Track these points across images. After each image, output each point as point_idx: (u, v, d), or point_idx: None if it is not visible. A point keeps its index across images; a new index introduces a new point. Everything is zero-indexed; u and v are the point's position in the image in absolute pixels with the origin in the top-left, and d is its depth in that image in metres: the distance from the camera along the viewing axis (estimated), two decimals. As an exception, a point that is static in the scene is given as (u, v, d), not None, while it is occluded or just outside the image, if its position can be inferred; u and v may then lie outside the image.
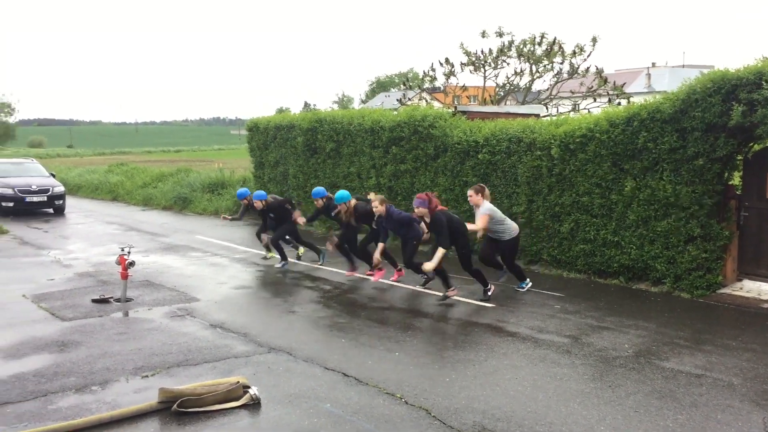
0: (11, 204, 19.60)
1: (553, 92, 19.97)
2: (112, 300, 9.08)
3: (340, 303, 9.08)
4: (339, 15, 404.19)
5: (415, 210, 8.83)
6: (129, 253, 9.17)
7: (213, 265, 11.88)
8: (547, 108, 19.03)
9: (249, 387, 5.61)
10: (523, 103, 20.07)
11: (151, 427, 5.12)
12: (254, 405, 5.47)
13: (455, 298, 9.08)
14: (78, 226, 17.65)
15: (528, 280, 9.80)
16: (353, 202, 10.34)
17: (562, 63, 19.86)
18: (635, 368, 6.35)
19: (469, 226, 9.22)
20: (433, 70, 20.64)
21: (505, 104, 20.47)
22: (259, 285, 10.45)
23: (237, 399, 5.50)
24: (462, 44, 20.10)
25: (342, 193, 10.34)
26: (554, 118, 12.74)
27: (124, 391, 5.85)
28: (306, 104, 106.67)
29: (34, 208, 19.99)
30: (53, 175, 21.89)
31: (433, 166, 12.83)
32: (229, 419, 5.24)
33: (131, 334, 7.53)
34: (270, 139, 17.56)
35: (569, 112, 18.30)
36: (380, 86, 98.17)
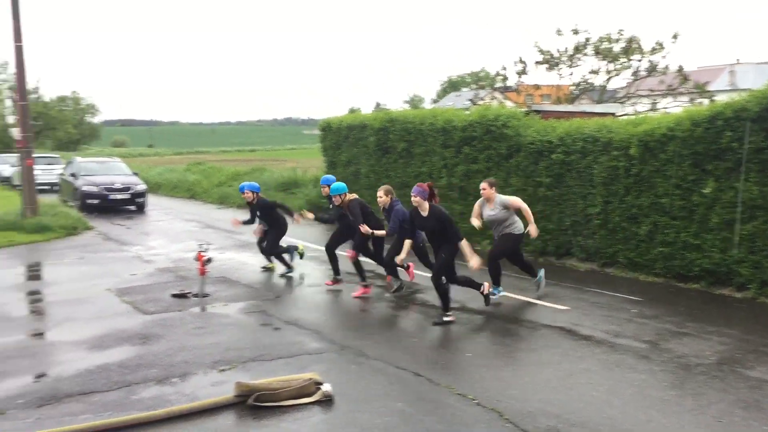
0: (96, 201, 20.44)
1: (631, 91, 19.44)
2: (190, 295, 9.36)
3: (411, 302, 9.09)
4: (411, 13, 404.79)
5: (413, 198, 7.96)
6: (206, 250, 9.44)
7: (286, 262, 12.07)
8: (623, 107, 18.53)
9: (321, 383, 5.69)
10: (598, 102, 19.60)
11: (228, 419, 5.26)
12: (327, 401, 5.53)
13: (525, 298, 8.96)
14: (158, 223, 18.27)
15: (501, 288, 9.18)
16: (352, 196, 9.58)
17: (640, 60, 19.32)
18: (718, 376, 6.11)
19: (532, 230, 8.89)
20: (505, 69, 20.43)
21: (580, 103, 20.06)
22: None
23: (310, 395, 5.58)
24: (536, 43, 19.81)
25: (337, 183, 9.70)
26: (632, 117, 12.40)
27: (201, 384, 6.03)
28: (377, 104, 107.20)
29: (117, 205, 20.79)
30: (136, 174, 22.70)
31: (506, 167, 12.69)
32: (303, 414, 5.32)
33: (208, 329, 7.75)
34: (342, 139, 17.73)
35: (648, 111, 17.76)
36: (451, 86, 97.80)
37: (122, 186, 20.85)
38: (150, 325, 7.90)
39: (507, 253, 9.17)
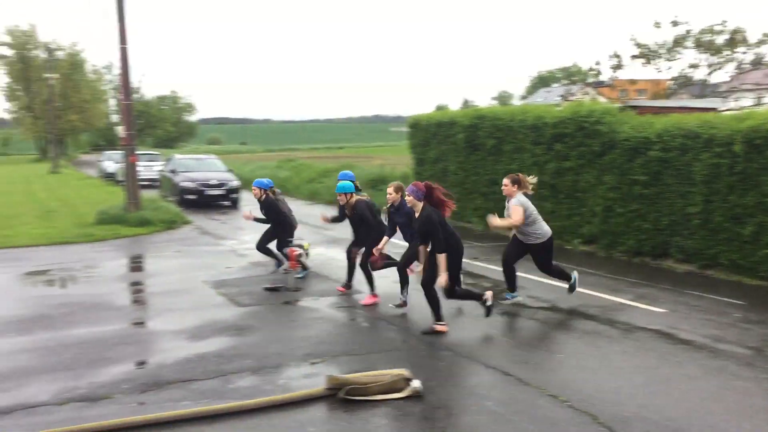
0: (193, 196, 21.25)
1: (734, 84, 18.54)
2: (282, 289, 9.60)
3: (500, 300, 8.98)
4: (499, 7, 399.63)
5: (406, 197, 7.50)
6: (299, 246, 9.65)
7: (375, 258, 12.18)
8: (726, 101, 17.68)
9: (411, 380, 5.71)
10: (699, 97, 18.78)
11: (320, 411, 5.36)
12: (416, 398, 5.55)
13: (618, 299, 8.70)
14: (251, 218, 18.78)
15: (518, 293, 8.75)
16: (360, 196, 9.12)
17: (745, 53, 18.40)
18: (831, 387, 5.75)
19: (495, 221, 8.27)
20: (599, 63, 19.90)
21: (679, 98, 19.27)
22: (419, 280, 10.57)
23: (399, 391, 5.61)
24: (632, 36, 19.18)
25: (343, 182, 9.23)
26: (736, 112, 11.81)
27: (294, 375, 6.17)
28: (465, 101, 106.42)
29: (212, 201, 21.52)
30: (231, 171, 23.44)
31: (599, 164, 12.34)
32: (392, 410, 5.36)
33: (300, 322, 7.93)
34: (430, 136, 17.71)
35: (753, 105, 16.88)
36: (541, 81, 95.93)
37: (218, 182, 21.57)
38: (244, 317, 8.16)
39: (551, 254, 8.64)
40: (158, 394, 5.71)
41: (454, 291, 7.53)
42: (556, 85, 72.96)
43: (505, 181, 8.51)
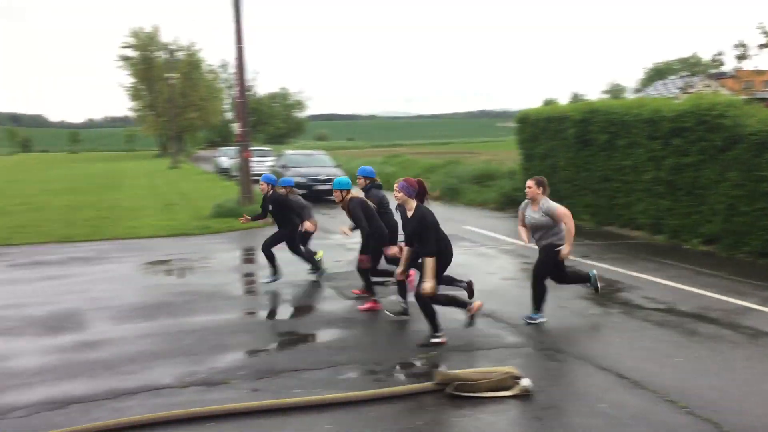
0: (303, 191, 21.78)
1: None
2: (389, 283, 9.67)
3: (612, 301, 8.69)
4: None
5: (395, 194, 6.89)
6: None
7: (481, 255, 12.09)
8: None
9: (520, 378, 5.62)
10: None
11: (428, 405, 5.37)
12: (525, 396, 5.46)
13: (743, 303, 8.21)
14: (358, 213, 19.06)
15: (543, 315, 7.73)
16: (356, 194, 8.48)
17: None
18: None
19: (565, 250, 7.43)
20: (721, 54, 18.83)
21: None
22: (526, 277, 10.36)
23: (508, 389, 5.54)
24: (760, 23, 18.03)
25: (340, 177, 8.62)
26: None
27: (401, 369, 6.22)
28: (574, 95, 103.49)
29: (321, 196, 22.00)
30: (339, 166, 23.89)
31: (721, 160, 11.69)
32: (501, 407, 5.30)
33: (409, 317, 7.96)
34: (539, 131, 17.35)
35: None
36: (657, 73, 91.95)
37: (326, 177, 22.03)
38: (353, 310, 8.29)
39: (550, 268, 7.74)
40: (272, 381, 5.90)
41: (437, 298, 6.93)
42: (673, 77, 69.72)
43: (530, 183, 7.73)
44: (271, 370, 6.18)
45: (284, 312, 8.31)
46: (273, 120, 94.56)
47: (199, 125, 73.28)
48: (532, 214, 7.71)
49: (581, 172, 15.42)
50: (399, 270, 7.39)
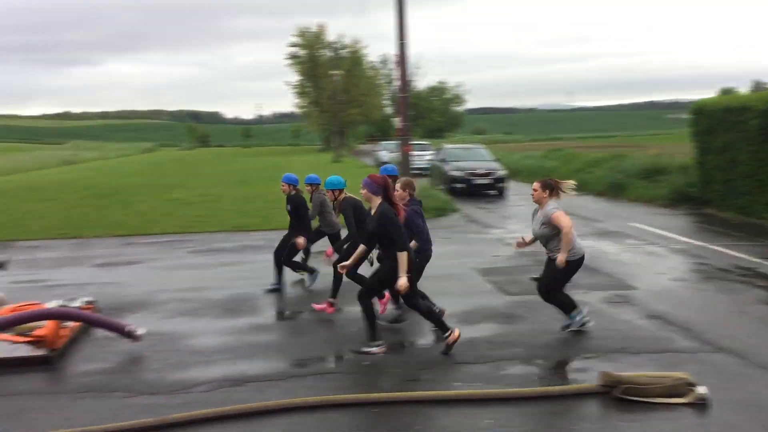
0: (461, 185, 21.84)
1: None
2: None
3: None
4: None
5: (361, 191, 6.51)
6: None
7: (649, 254, 11.50)
8: None
9: (695, 385, 5.30)
10: None
11: (592, 407, 5.21)
12: (700, 405, 5.15)
13: None
14: (517, 208, 18.79)
15: (580, 310, 7.05)
16: (346, 194, 8.23)
17: None
18: None
19: (561, 257, 6.77)
20: None
21: None
22: (699, 279, 9.78)
23: (681, 396, 5.25)
24: None
25: (332, 176, 8.35)
26: None
27: (565, 368, 6.10)
28: (756, 83, 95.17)
29: (479, 190, 21.94)
30: (497, 160, 23.69)
31: None
32: (674, 415, 5.02)
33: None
34: (716, 123, 16.16)
35: None
36: None
37: (485, 171, 21.93)
38: (513, 306, 8.21)
39: (559, 283, 7.12)
40: (431, 373, 5.99)
41: (414, 301, 6.51)
42: None
43: (535, 185, 7.16)
44: (429, 362, 6.27)
45: (444, 305, 8.27)
46: (431, 114, 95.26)
47: (360, 120, 75.38)
48: (534, 222, 7.17)
49: (764, 166, 14.19)
50: (343, 264, 7.12)
